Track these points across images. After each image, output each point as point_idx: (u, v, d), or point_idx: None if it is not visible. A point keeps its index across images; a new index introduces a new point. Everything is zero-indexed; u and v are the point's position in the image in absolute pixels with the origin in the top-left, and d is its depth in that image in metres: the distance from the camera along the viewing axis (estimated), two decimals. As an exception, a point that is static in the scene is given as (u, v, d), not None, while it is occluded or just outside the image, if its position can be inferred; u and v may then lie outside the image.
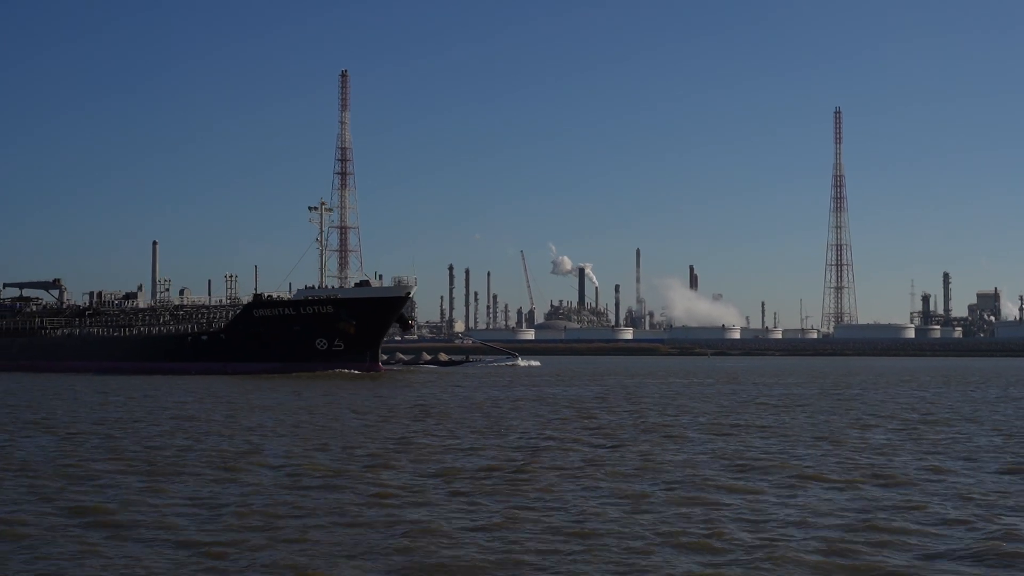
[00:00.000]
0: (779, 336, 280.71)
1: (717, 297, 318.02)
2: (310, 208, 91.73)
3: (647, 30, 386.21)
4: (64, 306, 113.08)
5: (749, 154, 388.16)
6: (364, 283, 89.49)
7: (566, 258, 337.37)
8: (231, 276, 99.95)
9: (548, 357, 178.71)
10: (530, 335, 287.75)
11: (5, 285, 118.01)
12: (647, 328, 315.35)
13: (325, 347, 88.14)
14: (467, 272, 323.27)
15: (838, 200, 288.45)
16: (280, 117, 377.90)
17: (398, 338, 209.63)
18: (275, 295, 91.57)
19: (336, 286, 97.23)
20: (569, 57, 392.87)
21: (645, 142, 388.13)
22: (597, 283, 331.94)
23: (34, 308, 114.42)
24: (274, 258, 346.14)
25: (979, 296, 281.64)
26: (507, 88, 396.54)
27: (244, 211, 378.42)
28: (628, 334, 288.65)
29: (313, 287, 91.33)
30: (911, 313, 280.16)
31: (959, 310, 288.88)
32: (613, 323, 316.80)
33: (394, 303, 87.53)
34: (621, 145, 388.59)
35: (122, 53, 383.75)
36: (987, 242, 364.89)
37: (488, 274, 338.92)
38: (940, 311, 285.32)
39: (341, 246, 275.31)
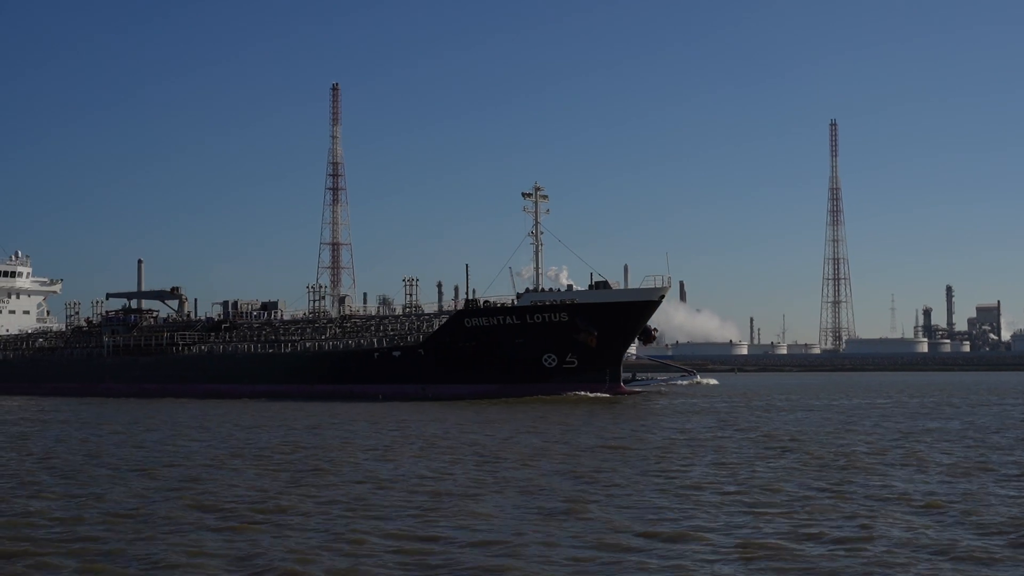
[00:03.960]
0: (784, 352, 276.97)
1: (698, 311, 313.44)
2: (524, 195, 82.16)
3: (637, 40, 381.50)
4: (188, 318, 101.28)
5: (740, 165, 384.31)
6: (601, 284, 78.69)
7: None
8: (410, 280, 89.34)
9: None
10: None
11: (109, 295, 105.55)
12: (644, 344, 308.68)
13: (554, 364, 78.15)
14: (456, 289, 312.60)
15: (835, 213, 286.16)
16: (268, 131, 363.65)
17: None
18: (492, 301, 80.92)
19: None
20: (559, 67, 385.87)
21: (634, 154, 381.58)
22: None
23: (152, 321, 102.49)
24: (256, 277, 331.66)
25: (978, 310, 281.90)
26: (495, 98, 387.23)
27: (230, 227, 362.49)
28: (632, 349, 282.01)
29: (537, 289, 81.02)
30: (915, 328, 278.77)
31: (949, 323, 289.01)
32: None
33: (644, 309, 77.85)
34: (609, 157, 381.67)
35: (110, 67, 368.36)
36: (975, 255, 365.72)
37: (473, 291, 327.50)
38: (931, 324, 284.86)
39: (333, 263, 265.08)
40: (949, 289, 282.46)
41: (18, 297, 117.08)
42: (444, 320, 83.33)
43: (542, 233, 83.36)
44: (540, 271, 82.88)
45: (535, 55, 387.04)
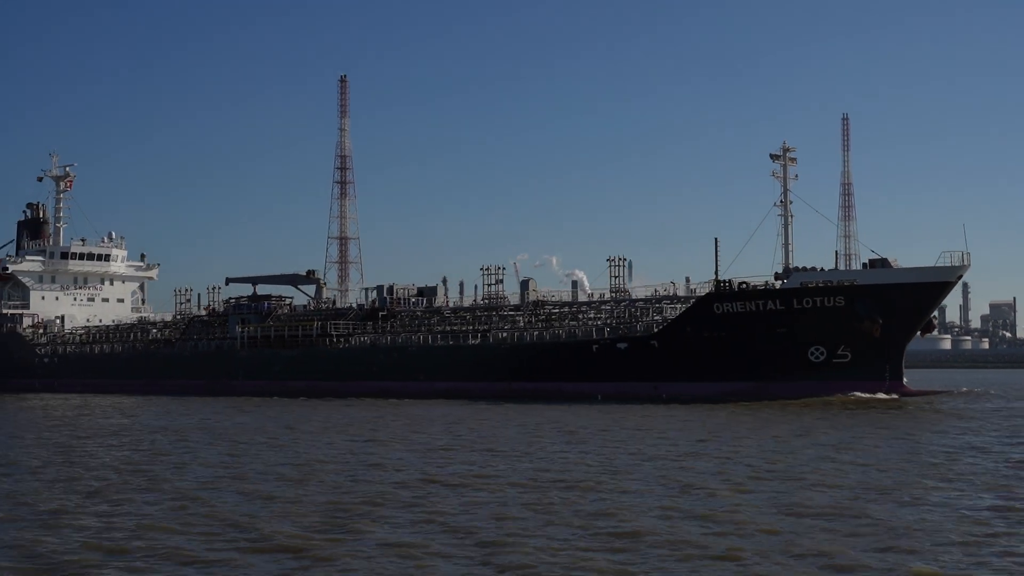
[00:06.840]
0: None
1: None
2: (772, 157, 72.43)
3: (642, 27, 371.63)
4: (332, 306, 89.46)
5: (745, 158, 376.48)
6: (880, 262, 68.34)
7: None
8: (620, 259, 78.82)
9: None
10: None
11: (229, 280, 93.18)
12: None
13: (822, 357, 68.29)
14: (461, 285, 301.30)
15: (846, 208, 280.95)
16: (275, 123, 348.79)
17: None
18: (748, 283, 70.53)
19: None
20: (566, 58, 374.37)
21: (639, 145, 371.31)
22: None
23: (288, 309, 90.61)
24: (263, 270, 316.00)
25: (991, 306, 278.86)
26: (498, 92, 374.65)
27: (235, 220, 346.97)
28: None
29: (795, 268, 70.90)
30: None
31: (964, 319, 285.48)
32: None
33: (939, 291, 68.15)
34: (614, 150, 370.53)
35: (115, 55, 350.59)
36: (984, 251, 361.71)
37: (475, 287, 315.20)
38: (946, 321, 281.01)
39: (341, 258, 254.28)
40: (965, 285, 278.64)
41: (112, 283, 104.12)
42: (681, 307, 73.25)
43: (791, 202, 73.75)
44: (790, 247, 73.10)
45: (542, 47, 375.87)
